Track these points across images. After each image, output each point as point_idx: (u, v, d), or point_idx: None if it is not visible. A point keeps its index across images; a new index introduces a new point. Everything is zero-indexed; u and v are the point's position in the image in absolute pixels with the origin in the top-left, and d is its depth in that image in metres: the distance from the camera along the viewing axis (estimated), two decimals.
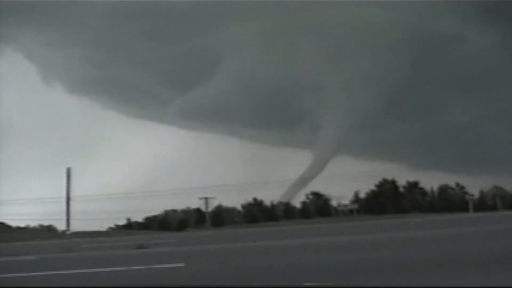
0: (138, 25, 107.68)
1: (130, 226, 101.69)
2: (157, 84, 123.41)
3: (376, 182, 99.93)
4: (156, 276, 11.43)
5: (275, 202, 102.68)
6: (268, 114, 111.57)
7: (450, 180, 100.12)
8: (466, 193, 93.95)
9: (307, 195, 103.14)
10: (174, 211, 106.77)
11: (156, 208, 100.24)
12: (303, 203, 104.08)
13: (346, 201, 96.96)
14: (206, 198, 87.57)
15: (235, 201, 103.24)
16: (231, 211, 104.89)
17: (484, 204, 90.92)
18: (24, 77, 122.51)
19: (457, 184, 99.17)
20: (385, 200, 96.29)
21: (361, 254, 13.73)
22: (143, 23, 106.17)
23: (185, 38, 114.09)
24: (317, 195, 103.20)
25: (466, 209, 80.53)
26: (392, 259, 11.83)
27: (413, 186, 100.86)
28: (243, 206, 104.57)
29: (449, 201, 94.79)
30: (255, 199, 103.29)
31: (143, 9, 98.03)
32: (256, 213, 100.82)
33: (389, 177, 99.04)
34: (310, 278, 9.68)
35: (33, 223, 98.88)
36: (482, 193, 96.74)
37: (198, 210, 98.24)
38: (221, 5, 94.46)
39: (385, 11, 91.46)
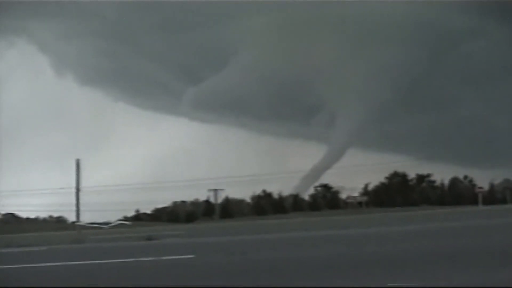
0: (151, 17, 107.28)
1: (139, 217, 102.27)
2: (169, 75, 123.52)
3: (387, 174, 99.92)
4: (166, 267, 11.51)
5: (286, 194, 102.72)
6: (281, 106, 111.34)
7: (461, 172, 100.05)
8: (476, 185, 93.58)
9: (315, 187, 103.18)
10: (183, 202, 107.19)
11: (165, 199, 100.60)
12: (312, 195, 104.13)
13: (356, 193, 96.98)
14: (215, 190, 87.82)
15: (244, 193, 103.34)
16: (239, 203, 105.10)
17: (494, 197, 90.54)
18: (37, 68, 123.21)
19: (465, 177, 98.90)
20: (394, 193, 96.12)
21: (363, 247, 13.78)
22: (156, 15, 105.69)
23: (198, 30, 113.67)
24: (325, 187, 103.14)
25: (475, 202, 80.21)
26: (391, 253, 11.87)
27: (422, 178, 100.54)
28: (252, 198, 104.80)
29: (459, 193, 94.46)
30: (264, 191, 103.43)
31: (156, 1, 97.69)
32: (265, 205, 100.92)
33: (399, 169, 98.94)
34: (313, 272, 9.75)
35: (43, 214, 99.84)
36: (492, 186, 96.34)
37: (207, 202, 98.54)
38: None
39: (401, 6, 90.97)
